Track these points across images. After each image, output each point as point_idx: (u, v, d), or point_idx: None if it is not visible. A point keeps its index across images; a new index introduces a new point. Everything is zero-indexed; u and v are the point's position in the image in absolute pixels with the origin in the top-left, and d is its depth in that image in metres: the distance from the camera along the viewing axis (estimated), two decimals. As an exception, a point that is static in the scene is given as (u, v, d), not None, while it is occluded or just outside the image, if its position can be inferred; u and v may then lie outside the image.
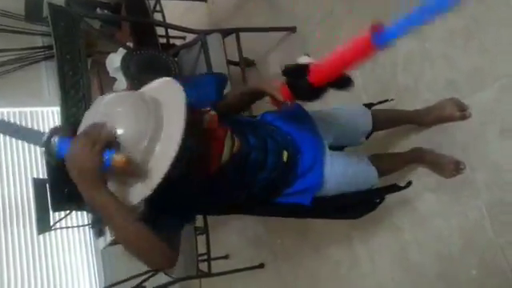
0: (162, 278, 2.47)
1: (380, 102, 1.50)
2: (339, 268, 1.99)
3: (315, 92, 0.94)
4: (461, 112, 1.47)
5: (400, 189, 1.40)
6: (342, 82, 0.94)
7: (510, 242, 1.36)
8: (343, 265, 1.97)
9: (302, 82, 0.93)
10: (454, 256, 1.51)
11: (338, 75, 0.91)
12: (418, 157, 1.58)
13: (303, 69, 0.93)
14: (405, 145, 1.65)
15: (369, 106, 1.46)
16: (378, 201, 1.35)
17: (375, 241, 1.82)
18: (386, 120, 1.46)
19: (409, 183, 1.39)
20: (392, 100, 1.54)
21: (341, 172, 1.20)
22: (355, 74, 1.85)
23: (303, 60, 0.94)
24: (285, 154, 1.10)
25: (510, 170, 1.37)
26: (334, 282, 2.02)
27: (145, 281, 2.43)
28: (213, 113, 1.00)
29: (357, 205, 1.32)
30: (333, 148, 1.25)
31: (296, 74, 0.95)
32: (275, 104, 1.03)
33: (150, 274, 2.49)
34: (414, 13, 0.70)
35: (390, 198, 1.57)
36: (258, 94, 1.07)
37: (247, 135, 1.07)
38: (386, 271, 1.78)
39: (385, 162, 1.38)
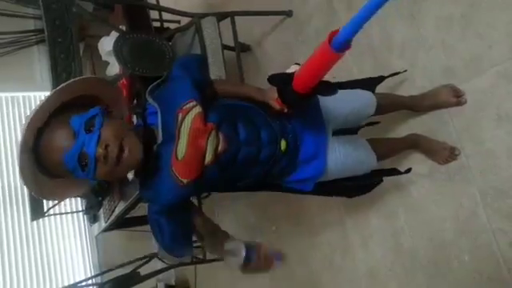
0: (157, 264, 2.48)
1: (392, 75, 1.49)
2: (333, 254, 2.01)
3: (301, 99, 0.96)
4: (456, 98, 1.47)
5: (400, 173, 1.41)
6: (323, 89, 0.96)
7: (503, 229, 1.37)
8: (337, 250, 1.99)
9: (287, 91, 0.96)
10: (447, 242, 1.52)
11: (315, 82, 0.93)
12: (413, 142, 1.58)
13: (288, 77, 0.95)
14: (400, 130, 1.65)
15: (379, 79, 1.45)
16: (375, 182, 1.36)
17: (369, 227, 1.82)
18: (387, 104, 1.45)
19: (409, 169, 1.40)
20: (405, 71, 1.53)
21: (343, 158, 1.19)
22: (350, 62, 1.84)
23: (292, 69, 0.97)
24: (282, 143, 1.08)
25: (504, 157, 1.36)
26: (328, 267, 2.04)
27: (139, 267, 2.44)
28: (197, 109, 0.98)
29: (354, 186, 1.32)
30: (333, 132, 1.23)
31: (281, 83, 0.98)
32: (276, 112, 1.05)
33: (145, 260, 2.50)
34: (360, 9, 0.72)
35: (384, 185, 1.58)
36: (256, 100, 1.09)
37: (238, 127, 1.04)
38: (378, 257, 1.79)
39: (381, 147, 1.37)
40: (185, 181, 0.96)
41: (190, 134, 0.96)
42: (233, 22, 2.06)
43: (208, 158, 0.98)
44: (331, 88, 0.98)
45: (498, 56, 1.37)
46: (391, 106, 1.51)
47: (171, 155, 0.96)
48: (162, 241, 1.04)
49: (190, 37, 1.98)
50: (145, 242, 2.76)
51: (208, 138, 0.97)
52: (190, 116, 0.97)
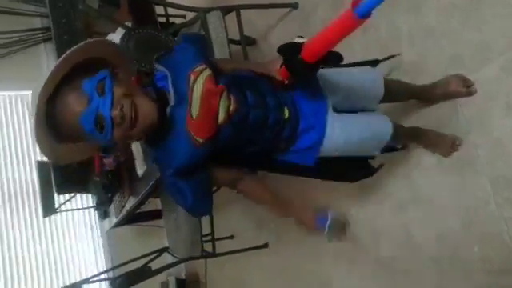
0: (167, 259, 2.50)
1: (386, 58, 1.48)
2: (342, 247, 2.00)
3: (309, 68, 0.97)
4: (467, 88, 1.45)
5: (397, 149, 1.41)
6: (332, 58, 0.97)
7: (514, 218, 1.36)
8: (347, 247, 1.98)
9: (295, 60, 0.96)
10: (457, 232, 1.52)
11: (326, 51, 0.94)
12: (416, 135, 1.57)
13: (297, 47, 0.96)
14: (411, 120, 1.63)
15: (375, 62, 1.43)
16: (376, 167, 1.35)
17: (378, 220, 1.82)
18: (396, 91, 1.44)
19: (404, 146, 1.41)
20: (399, 55, 1.52)
21: (348, 128, 1.18)
22: (358, 54, 1.83)
23: (298, 40, 0.98)
24: (286, 111, 1.10)
25: (514, 146, 1.35)
26: (337, 260, 2.04)
27: (150, 261, 2.47)
28: (208, 71, 1.01)
29: (356, 169, 1.32)
30: (347, 111, 1.23)
31: (290, 52, 0.98)
32: (277, 83, 1.07)
33: (156, 254, 2.52)
34: None
35: (393, 176, 1.57)
36: (259, 74, 1.10)
37: (245, 92, 1.06)
38: (387, 248, 1.78)
39: (398, 126, 1.37)
40: (200, 140, 0.98)
41: (202, 94, 0.98)
42: (238, 16, 2.05)
43: (221, 117, 1.00)
44: (338, 58, 1.00)
45: (507, 44, 1.35)
46: (400, 91, 1.49)
47: (185, 116, 0.97)
48: (185, 202, 1.04)
49: (196, 31, 1.98)
50: (155, 236, 2.79)
51: (220, 99, 1.00)
52: (202, 78, 0.99)
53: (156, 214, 2.67)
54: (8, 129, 3.22)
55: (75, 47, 0.92)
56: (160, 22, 2.13)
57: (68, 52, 0.91)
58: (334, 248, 2.05)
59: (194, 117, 0.97)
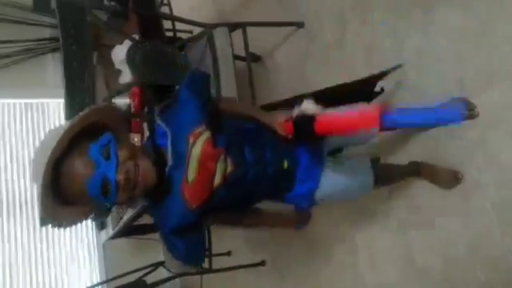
0: (163, 273, 2.47)
1: (394, 69, 1.50)
2: (342, 268, 1.97)
3: (316, 138, 1.04)
4: (470, 111, 1.44)
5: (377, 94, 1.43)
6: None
7: (517, 245, 1.34)
8: (345, 265, 1.95)
9: (308, 130, 1.02)
10: (460, 258, 1.49)
11: (339, 134, 1.02)
12: (415, 170, 1.57)
13: (310, 119, 1.02)
14: (411, 146, 1.62)
15: (381, 75, 1.46)
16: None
17: (379, 242, 1.79)
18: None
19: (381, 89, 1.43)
20: (400, 65, 1.55)
21: (336, 184, 1.23)
22: (361, 72, 1.84)
23: (308, 105, 1.03)
24: (285, 163, 1.14)
25: (518, 171, 1.34)
26: (336, 282, 2.00)
27: (145, 275, 2.43)
28: (207, 134, 1.03)
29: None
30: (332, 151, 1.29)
31: (303, 121, 1.03)
32: (280, 137, 1.11)
33: (151, 268, 2.49)
34: (423, 111, 0.77)
35: (394, 199, 1.55)
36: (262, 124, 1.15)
37: (245, 149, 1.09)
38: (389, 272, 1.75)
39: (385, 171, 1.39)
40: (194, 205, 1.01)
41: (200, 158, 1.01)
42: (244, 33, 2.08)
43: (217, 180, 1.03)
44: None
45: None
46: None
47: (181, 177, 1.00)
48: (179, 257, 1.07)
49: (202, 46, 2.00)
50: (151, 250, 2.75)
51: (217, 162, 1.03)
52: (201, 140, 1.02)
53: (153, 228, 2.64)
54: (5, 137, 3.22)
55: (81, 115, 0.95)
56: (167, 37, 2.15)
57: (74, 119, 0.94)
58: (330, 268, 2.02)
59: (190, 181, 1.00)
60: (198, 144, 1.01)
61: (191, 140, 1.01)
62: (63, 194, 0.94)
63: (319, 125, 0.99)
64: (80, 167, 0.92)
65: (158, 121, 1.06)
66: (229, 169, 1.04)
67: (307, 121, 1.01)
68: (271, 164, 1.11)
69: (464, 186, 1.47)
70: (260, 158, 1.09)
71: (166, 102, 1.10)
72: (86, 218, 1.06)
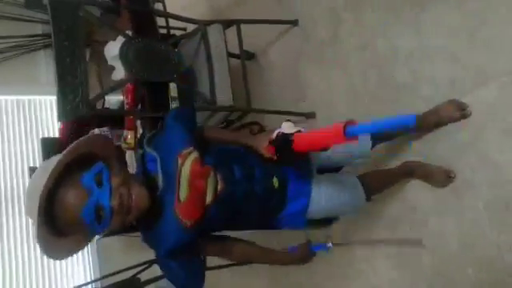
0: (156, 271, 2.46)
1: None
2: (332, 264, 1.98)
3: (297, 156, 1.07)
4: (461, 112, 1.45)
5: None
6: None
7: (508, 242, 1.35)
8: (336, 261, 1.96)
9: (286, 150, 1.05)
10: (452, 254, 1.50)
11: (313, 150, 1.08)
12: (408, 171, 1.58)
13: (289, 140, 1.05)
14: (405, 148, 1.63)
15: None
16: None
17: (371, 238, 1.80)
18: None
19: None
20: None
21: (327, 200, 1.23)
22: (355, 74, 1.84)
23: (287, 126, 1.08)
24: (275, 181, 1.15)
25: (510, 170, 1.35)
26: (327, 279, 2.01)
27: (139, 273, 2.42)
28: (195, 154, 1.05)
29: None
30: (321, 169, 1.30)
31: (283, 142, 1.06)
32: (265, 159, 1.12)
33: (145, 266, 2.48)
34: (381, 120, 0.89)
35: (388, 198, 1.57)
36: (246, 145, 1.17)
37: (233, 167, 1.11)
38: (382, 269, 1.76)
39: (375, 181, 1.41)
40: (188, 222, 1.01)
41: (189, 177, 1.02)
42: (238, 30, 2.07)
43: (209, 197, 1.05)
44: None
45: (504, 67, 1.36)
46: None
47: (173, 199, 1.01)
48: (177, 281, 1.08)
49: (196, 43, 1.99)
50: (145, 247, 2.74)
51: (207, 179, 1.04)
52: (189, 161, 1.03)
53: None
54: (2, 134, 3.20)
55: (70, 147, 0.96)
56: (161, 34, 2.13)
57: (64, 152, 0.95)
58: (321, 265, 2.03)
59: (182, 200, 1.01)
60: (187, 164, 1.03)
61: (180, 161, 1.03)
62: (58, 224, 0.94)
63: (297, 143, 1.03)
64: (73, 195, 0.92)
65: (147, 149, 1.08)
66: (219, 185, 1.06)
67: (285, 140, 1.05)
68: (260, 182, 1.13)
69: (456, 184, 1.48)
70: (249, 176, 1.12)
71: (153, 132, 1.14)
72: (82, 248, 1.06)
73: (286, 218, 1.21)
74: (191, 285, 1.10)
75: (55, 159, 0.94)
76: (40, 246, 0.93)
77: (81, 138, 1.00)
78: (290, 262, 1.28)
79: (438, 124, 1.51)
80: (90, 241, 1.06)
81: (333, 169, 1.38)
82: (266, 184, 1.14)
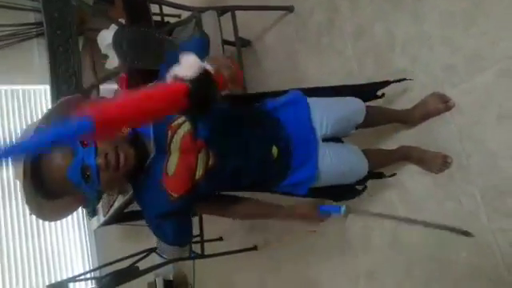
0: (155, 259, 2.48)
1: (398, 81, 1.51)
2: (331, 250, 2.00)
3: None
4: (445, 104, 1.48)
5: (384, 177, 1.47)
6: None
7: (502, 228, 1.36)
8: (335, 248, 1.98)
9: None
10: (446, 240, 1.51)
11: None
12: (405, 154, 1.59)
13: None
14: (401, 136, 1.64)
15: (384, 84, 1.47)
16: (361, 189, 1.39)
17: (368, 222, 1.81)
18: (376, 113, 1.46)
19: (393, 174, 1.48)
20: (411, 80, 1.54)
21: (336, 163, 1.21)
22: (352, 59, 1.83)
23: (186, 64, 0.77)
24: (274, 150, 1.11)
25: (505, 157, 1.35)
26: (327, 264, 2.03)
27: (138, 261, 2.44)
28: (186, 126, 1.01)
29: (341, 192, 1.35)
30: (324, 138, 1.25)
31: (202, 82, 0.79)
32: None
33: (144, 254, 2.50)
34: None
35: (384, 182, 1.57)
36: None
37: (227, 140, 1.07)
38: (378, 253, 1.78)
39: (372, 157, 1.39)
40: (175, 195, 1.00)
41: (180, 152, 1.00)
42: (233, 17, 2.04)
43: (198, 173, 1.02)
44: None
45: (501, 53, 1.35)
46: (381, 116, 1.52)
47: (162, 170, 1.00)
48: (165, 239, 1.08)
49: (190, 31, 1.97)
50: (143, 236, 2.76)
51: (198, 155, 1.01)
52: (180, 134, 1.01)
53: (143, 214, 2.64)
54: (-2, 124, 3.18)
55: (51, 108, 0.95)
56: (155, 21, 2.10)
57: (46, 113, 0.94)
58: (320, 251, 2.05)
59: (170, 174, 1.00)
60: (178, 137, 1.01)
61: (170, 133, 1.01)
62: (46, 186, 0.94)
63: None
64: (59, 158, 0.92)
65: None
66: (211, 161, 1.03)
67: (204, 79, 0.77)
68: (257, 154, 1.10)
69: (452, 170, 1.49)
70: (243, 150, 1.08)
71: None
72: (74, 209, 1.06)
73: (287, 187, 1.19)
74: (178, 241, 1.11)
75: (36, 122, 0.93)
76: (30, 209, 0.93)
77: (62, 98, 0.99)
78: (296, 216, 1.20)
79: (425, 117, 1.55)
80: (83, 204, 1.06)
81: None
82: (263, 156, 1.10)
